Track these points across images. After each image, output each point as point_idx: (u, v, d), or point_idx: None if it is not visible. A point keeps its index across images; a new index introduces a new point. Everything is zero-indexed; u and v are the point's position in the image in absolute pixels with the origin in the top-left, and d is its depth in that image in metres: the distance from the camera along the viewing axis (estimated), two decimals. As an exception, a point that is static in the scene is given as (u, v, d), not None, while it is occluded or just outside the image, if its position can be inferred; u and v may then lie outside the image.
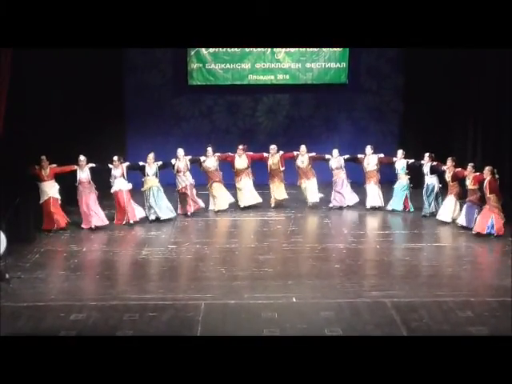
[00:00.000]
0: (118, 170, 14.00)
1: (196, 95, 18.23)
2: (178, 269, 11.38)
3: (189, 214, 14.59)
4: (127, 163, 14.26)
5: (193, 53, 17.74)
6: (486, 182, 12.94)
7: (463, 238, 12.83)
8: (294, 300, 9.51)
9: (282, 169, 15.41)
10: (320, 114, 18.47)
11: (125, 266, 11.46)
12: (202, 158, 15.01)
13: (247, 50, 17.78)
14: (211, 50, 17.72)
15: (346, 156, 15.54)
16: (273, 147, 15.46)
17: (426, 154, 14.73)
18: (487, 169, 13.01)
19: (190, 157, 14.83)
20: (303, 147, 15.48)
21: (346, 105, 18.41)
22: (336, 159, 15.41)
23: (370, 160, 15.29)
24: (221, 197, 15.02)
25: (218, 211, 14.89)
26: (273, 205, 15.39)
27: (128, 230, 13.69)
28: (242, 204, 15.23)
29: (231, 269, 11.04)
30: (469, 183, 13.47)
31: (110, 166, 14.00)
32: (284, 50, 17.81)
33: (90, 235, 13.27)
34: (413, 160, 15.08)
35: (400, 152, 15.25)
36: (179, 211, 14.71)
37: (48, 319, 8.82)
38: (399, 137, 18.07)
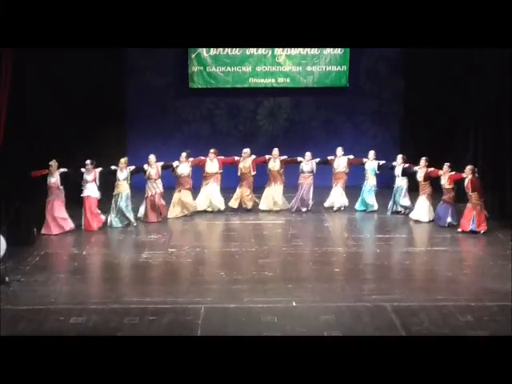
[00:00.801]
0: (91, 175, 13.79)
1: (197, 98, 18.26)
2: (178, 272, 11.38)
3: (154, 221, 14.33)
4: (100, 168, 13.99)
5: (193, 56, 17.77)
6: (467, 180, 13.42)
7: (463, 242, 12.84)
8: (294, 304, 9.49)
9: (252, 173, 15.28)
10: (320, 117, 18.49)
11: (125, 269, 11.45)
12: (175, 164, 14.74)
13: (248, 52, 17.81)
14: (212, 52, 17.75)
15: (317, 159, 15.54)
16: (246, 151, 15.35)
17: (399, 156, 15.12)
18: (468, 168, 13.50)
19: (162, 163, 14.56)
20: (276, 150, 15.41)
21: (346, 108, 18.44)
22: (308, 162, 15.37)
23: (341, 162, 15.40)
24: (187, 202, 14.79)
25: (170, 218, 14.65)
26: (232, 206, 15.31)
27: (128, 234, 13.71)
28: (203, 208, 15.09)
29: (231, 272, 11.02)
30: (445, 182, 13.95)
31: (83, 169, 13.78)
32: (285, 53, 17.85)
33: (91, 238, 13.27)
34: (384, 161, 15.34)
35: (372, 153, 15.42)
36: (144, 219, 14.42)
37: (48, 322, 8.80)
38: (399, 140, 18.09)
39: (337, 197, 15.36)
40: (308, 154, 15.41)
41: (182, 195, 14.75)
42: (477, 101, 15.33)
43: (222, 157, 15.31)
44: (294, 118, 18.51)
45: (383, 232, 13.89)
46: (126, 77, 17.88)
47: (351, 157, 15.50)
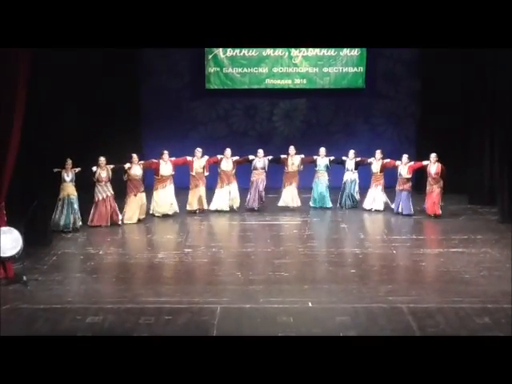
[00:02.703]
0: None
1: (213, 99, 18.31)
2: (193, 272, 11.39)
3: (98, 224, 13.99)
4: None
5: (210, 57, 17.82)
6: (437, 167, 14.69)
7: (480, 244, 12.75)
8: (310, 305, 9.47)
9: (205, 173, 15.22)
10: (337, 118, 18.50)
11: (141, 269, 11.47)
12: (127, 166, 14.35)
13: (264, 54, 17.83)
14: (228, 54, 17.79)
15: (270, 157, 15.59)
16: (199, 150, 15.21)
17: (351, 151, 15.66)
18: (434, 155, 14.77)
19: (112, 166, 14.22)
20: (228, 150, 15.37)
21: (363, 110, 18.44)
22: (261, 159, 15.43)
23: (294, 160, 15.48)
24: (138, 209, 14.49)
25: (127, 223, 14.31)
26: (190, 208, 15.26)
27: (144, 233, 13.80)
28: (158, 212, 14.92)
29: (247, 273, 11.03)
30: (404, 172, 14.91)
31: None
32: (301, 54, 17.86)
33: (107, 238, 13.34)
34: (333, 157, 15.76)
35: (323, 150, 15.69)
36: (92, 223, 14.02)
37: (65, 322, 8.83)
38: (416, 141, 18.03)
39: (293, 196, 15.60)
40: (260, 151, 15.47)
41: (135, 201, 14.45)
42: (493, 102, 15.25)
43: (173, 158, 15.04)
44: (310, 120, 18.51)
45: (398, 233, 13.87)
46: (143, 78, 17.97)
47: (302, 156, 15.64)
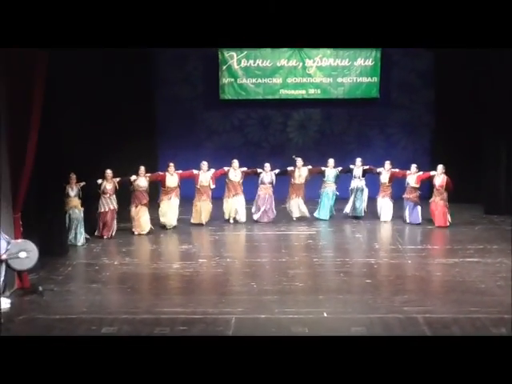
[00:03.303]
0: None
1: (228, 109, 18.36)
2: (207, 283, 11.39)
3: (105, 237, 13.96)
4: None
5: (224, 67, 17.88)
6: (442, 179, 14.75)
7: (495, 253, 12.68)
8: (325, 315, 9.45)
9: (212, 186, 15.15)
10: (351, 128, 18.49)
11: (155, 279, 11.48)
12: (133, 178, 14.38)
13: (278, 64, 17.88)
14: (243, 64, 17.85)
15: (277, 170, 15.54)
16: (204, 163, 15.15)
17: (358, 159, 15.66)
18: (441, 167, 14.84)
19: (118, 179, 14.23)
20: (236, 162, 15.32)
21: (377, 119, 18.42)
22: (268, 174, 15.38)
23: (302, 172, 15.45)
24: (144, 221, 14.42)
25: (140, 234, 14.33)
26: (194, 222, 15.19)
27: (159, 244, 13.86)
28: (162, 222, 14.83)
29: (261, 283, 11.02)
30: (412, 182, 14.96)
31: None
32: (315, 64, 17.89)
33: (122, 248, 13.39)
34: (341, 168, 15.74)
35: (331, 161, 15.61)
36: (97, 233, 14.08)
37: (80, 332, 8.84)
38: (430, 151, 17.98)
39: (301, 207, 15.54)
40: (267, 165, 15.41)
41: (140, 212, 14.41)
42: (508, 111, 15.18)
43: (180, 171, 15.03)
44: (324, 130, 18.51)
45: (413, 243, 13.85)
46: (157, 89, 18.05)
47: (310, 167, 15.61)
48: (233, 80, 17.99)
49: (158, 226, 14.86)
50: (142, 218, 14.38)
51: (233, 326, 9.02)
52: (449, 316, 9.32)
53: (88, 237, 13.74)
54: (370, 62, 17.86)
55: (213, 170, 15.24)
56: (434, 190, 14.88)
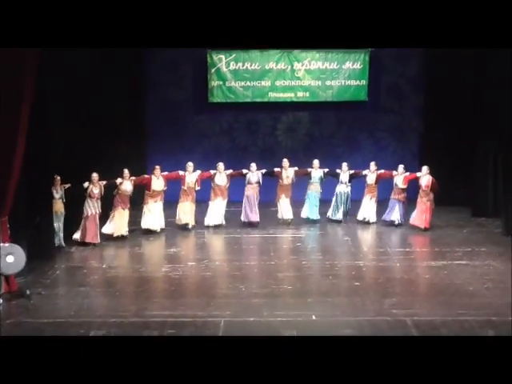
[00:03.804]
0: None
1: (216, 113, 18.35)
2: (196, 286, 11.39)
3: (88, 240, 13.63)
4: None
5: (213, 70, 17.87)
6: (427, 180, 14.82)
7: (484, 256, 12.73)
8: (314, 318, 9.46)
9: (197, 188, 15.10)
10: (340, 132, 18.51)
11: (144, 282, 11.45)
12: (118, 181, 14.22)
13: (267, 67, 17.88)
14: (231, 67, 17.83)
15: (264, 170, 15.54)
16: (190, 164, 15.13)
17: (344, 164, 15.65)
18: (426, 168, 14.96)
19: (104, 182, 14.00)
20: (221, 165, 15.27)
21: (366, 123, 18.45)
22: (255, 173, 15.37)
23: (289, 173, 15.46)
24: (124, 223, 14.30)
25: (117, 237, 14.14)
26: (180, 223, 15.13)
27: (148, 247, 13.83)
28: (147, 226, 14.68)
29: (250, 286, 11.02)
30: (400, 183, 15.06)
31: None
32: (304, 67, 17.90)
33: (110, 252, 13.36)
34: (327, 169, 15.71)
35: (316, 162, 15.65)
36: (78, 237, 13.65)
37: (68, 335, 8.81)
38: (419, 156, 18.02)
39: (288, 209, 15.51)
40: (253, 165, 15.39)
41: (123, 215, 14.31)
42: (496, 116, 15.25)
43: (166, 173, 14.95)
44: (313, 133, 18.53)
45: (403, 245, 13.88)
46: (147, 91, 18.01)
47: (296, 168, 15.61)
48: (221, 83, 17.97)
49: (142, 230, 14.73)
50: (123, 220, 14.27)
51: (222, 329, 9.02)
52: (437, 318, 9.36)
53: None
54: (358, 65, 17.89)
55: (199, 172, 15.19)
56: (420, 190, 14.92)
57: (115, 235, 14.14)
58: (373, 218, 15.45)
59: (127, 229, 14.37)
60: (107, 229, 14.18)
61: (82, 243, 13.59)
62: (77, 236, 13.67)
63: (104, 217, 14.18)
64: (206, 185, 15.33)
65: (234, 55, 17.77)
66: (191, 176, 15.06)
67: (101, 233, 13.96)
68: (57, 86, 12.78)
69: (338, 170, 15.70)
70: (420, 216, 14.84)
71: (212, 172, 15.28)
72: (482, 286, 10.91)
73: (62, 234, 13.46)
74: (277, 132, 18.55)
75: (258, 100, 18.14)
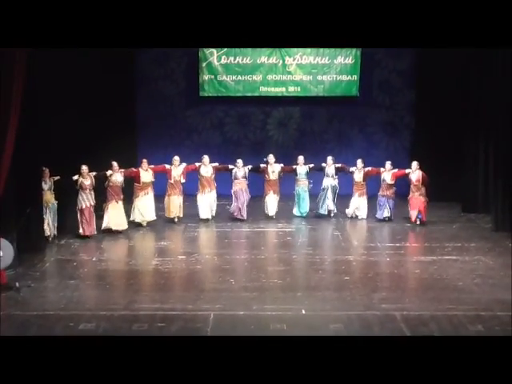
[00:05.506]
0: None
1: (207, 107, 18.34)
2: (186, 279, 11.37)
3: (88, 234, 13.69)
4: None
5: (204, 64, 17.84)
6: (418, 175, 14.95)
7: (474, 251, 12.78)
8: (304, 312, 9.47)
9: (182, 181, 15.14)
10: (331, 127, 18.52)
11: (134, 275, 11.43)
12: (109, 172, 14.17)
13: (258, 61, 17.86)
14: (223, 61, 17.80)
15: (250, 166, 15.56)
16: (176, 158, 15.16)
17: (329, 157, 15.65)
18: (416, 163, 15.09)
19: (94, 173, 13.96)
20: (206, 157, 15.30)
21: (358, 119, 18.47)
22: (241, 169, 15.39)
23: (274, 168, 15.51)
24: (122, 217, 14.33)
25: (110, 230, 14.10)
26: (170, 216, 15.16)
27: (138, 240, 13.81)
28: (137, 219, 14.72)
29: (240, 280, 11.03)
30: (388, 179, 15.15)
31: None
32: (295, 62, 17.89)
33: (100, 245, 13.33)
34: (312, 164, 15.74)
35: (301, 158, 15.66)
36: (81, 231, 13.66)
37: (58, 328, 8.80)
38: (411, 151, 18.05)
39: (273, 205, 15.54)
40: (239, 161, 15.41)
41: (118, 208, 14.27)
42: (487, 112, 15.29)
43: (152, 165, 14.98)
44: (304, 128, 18.53)
45: (393, 240, 13.92)
46: (138, 85, 17.96)
47: (282, 165, 15.64)
48: (213, 77, 17.94)
49: (134, 223, 14.74)
50: (120, 214, 14.27)
51: (211, 322, 9.02)
52: (426, 313, 9.38)
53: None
54: (350, 60, 17.89)
55: (184, 165, 15.21)
56: (412, 186, 14.96)
57: (114, 229, 14.13)
58: (363, 215, 15.46)
59: (126, 226, 14.36)
60: (104, 223, 14.17)
61: (78, 236, 13.61)
62: (80, 231, 13.66)
63: (98, 209, 14.19)
64: (192, 178, 15.33)
65: (225, 49, 17.73)
66: (177, 170, 15.10)
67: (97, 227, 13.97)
68: (47, 80, 12.75)
69: (323, 164, 15.68)
70: (415, 211, 14.90)
71: (197, 164, 15.31)
72: (472, 282, 10.95)
73: (55, 224, 13.45)
74: (268, 126, 18.54)
75: (249, 94, 18.12)
